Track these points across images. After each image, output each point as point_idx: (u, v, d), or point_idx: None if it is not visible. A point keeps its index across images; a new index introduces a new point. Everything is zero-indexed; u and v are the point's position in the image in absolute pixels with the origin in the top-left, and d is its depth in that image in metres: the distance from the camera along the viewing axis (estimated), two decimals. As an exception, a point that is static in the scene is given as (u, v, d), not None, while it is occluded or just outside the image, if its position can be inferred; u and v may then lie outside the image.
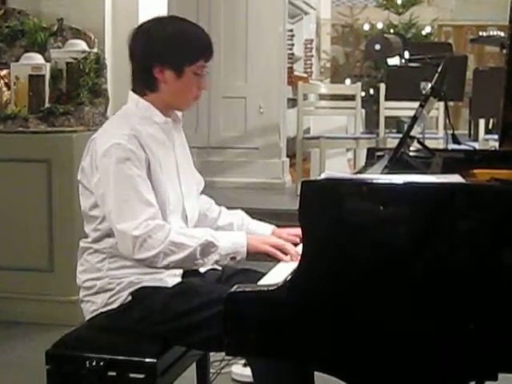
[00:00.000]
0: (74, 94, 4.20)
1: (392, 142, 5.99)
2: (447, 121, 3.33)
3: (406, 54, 5.63)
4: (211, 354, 2.67)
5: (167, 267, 2.16)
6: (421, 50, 5.40)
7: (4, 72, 4.29)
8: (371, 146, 5.61)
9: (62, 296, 3.95)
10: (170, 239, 2.10)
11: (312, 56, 9.47)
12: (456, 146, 2.81)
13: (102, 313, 2.25)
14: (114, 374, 2.15)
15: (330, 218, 1.72)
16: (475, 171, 2.46)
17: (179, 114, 2.42)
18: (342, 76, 9.69)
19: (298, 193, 1.76)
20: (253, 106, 7.16)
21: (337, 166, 7.03)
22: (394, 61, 6.11)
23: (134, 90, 2.32)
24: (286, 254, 2.17)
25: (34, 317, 3.99)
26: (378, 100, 6.66)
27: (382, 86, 6.41)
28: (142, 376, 2.13)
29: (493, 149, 4.22)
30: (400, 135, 3.86)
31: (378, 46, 5.97)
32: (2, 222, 4.09)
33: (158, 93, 2.28)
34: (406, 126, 2.59)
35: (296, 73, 8.63)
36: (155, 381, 2.14)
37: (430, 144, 3.53)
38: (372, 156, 2.70)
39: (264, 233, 2.42)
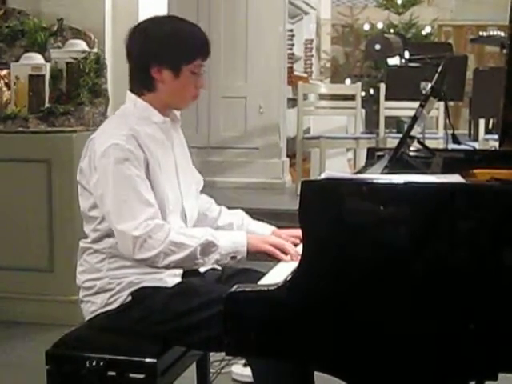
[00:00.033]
0: (74, 94, 4.20)
1: (392, 142, 5.98)
2: (447, 121, 3.32)
3: (406, 54, 5.63)
4: (211, 354, 2.66)
5: (168, 267, 2.16)
6: (421, 49, 5.40)
7: (4, 72, 4.29)
8: (371, 146, 5.60)
9: (62, 296, 3.95)
10: (170, 239, 2.10)
11: (312, 56, 9.47)
12: (456, 146, 2.81)
13: (101, 313, 2.25)
14: (114, 373, 2.15)
15: (330, 217, 1.72)
16: (475, 171, 2.45)
17: (177, 113, 2.42)
18: (342, 76, 9.69)
19: (298, 193, 1.75)
20: (253, 106, 7.16)
21: (337, 166, 7.02)
22: (394, 61, 6.11)
23: (131, 90, 2.31)
24: (286, 253, 2.17)
25: (34, 317, 3.98)
26: (378, 100, 6.66)
27: (382, 86, 6.40)
28: (142, 376, 2.13)
29: (493, 149, 4.21)
30: (400, 135, 3.86)
31: (378, 46, 5.96)
32: (2, 221, 4.08)
33: (155, 92, 2.27)
34: (406, 126, 2.59)
35: (296, 73, 8.62)
36: (155, 381, 2.14)
37: (430, 144, 3.53)
38: (372, 156, 2.70)
39: (264, 233, 2.42)
